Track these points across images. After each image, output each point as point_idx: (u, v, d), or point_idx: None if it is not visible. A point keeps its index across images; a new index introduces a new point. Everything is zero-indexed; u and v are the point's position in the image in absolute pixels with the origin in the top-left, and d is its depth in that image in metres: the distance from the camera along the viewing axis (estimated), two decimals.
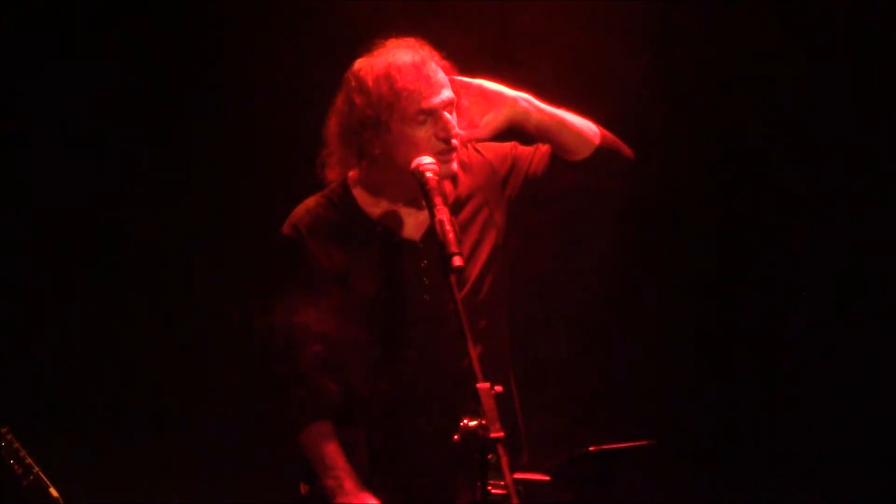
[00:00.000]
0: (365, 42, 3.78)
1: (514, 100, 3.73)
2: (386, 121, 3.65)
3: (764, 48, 5.23)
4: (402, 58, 3.69)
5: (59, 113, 5.16)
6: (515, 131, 3.78)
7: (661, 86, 5.23)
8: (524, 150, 3.85)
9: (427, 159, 3.52)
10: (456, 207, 3.74)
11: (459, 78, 3.72)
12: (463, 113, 3.76)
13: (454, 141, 3.66)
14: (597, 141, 3.76)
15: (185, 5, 5.20)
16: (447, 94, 3.67)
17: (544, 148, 3.81)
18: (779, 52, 5.22)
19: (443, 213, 3.30)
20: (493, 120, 3.74)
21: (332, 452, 3.67)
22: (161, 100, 5.22)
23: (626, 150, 3.83)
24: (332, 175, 3.79)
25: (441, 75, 3.69)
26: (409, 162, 3.61)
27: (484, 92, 3.74)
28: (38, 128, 5.17)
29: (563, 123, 3.74)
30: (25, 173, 5.18)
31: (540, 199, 3.82)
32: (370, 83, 3.68)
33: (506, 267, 3.79)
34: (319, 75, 4.08)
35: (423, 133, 3.65)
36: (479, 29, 5.04)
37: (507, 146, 3.86)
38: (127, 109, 5.20)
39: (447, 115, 3.66)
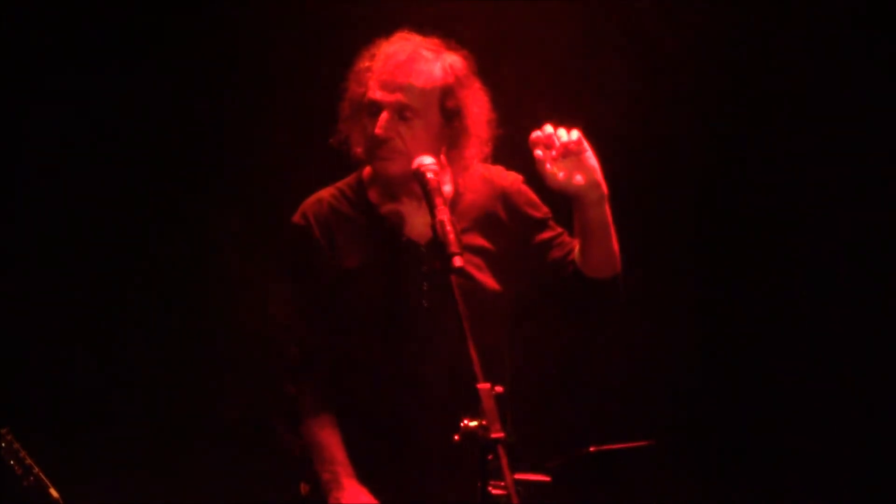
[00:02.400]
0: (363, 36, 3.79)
1: (600, 182, 3.55)
2: (356, 101, 3.69)
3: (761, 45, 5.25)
4: (388, 45, 3.70)
5: (58, 112, 5.18)
6: (564, 205, 3.70)
7: (653, 85, 5.25)
8: (554, 225, 3.81)
9: (428, 159, 3.51)
10: (470, 213, 3.75)
11: (580, 137, 3.51)
12: (465, 135, 3.72)
13: (383, 145, 3.62)
14: (615, 271, 3.71)
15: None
16: (399, 95, 3.63)
17: (573, 241, 3.74)
18: (775, 50, 5.24)
19: (443, 214, 3.29)
20: (565, 179, 3.51)
21: (331, 446, 3.66)
22: (164, 95, 5.24)
23: (622, 304, 3.77)
24: (358, 152, 3.77)
25: (411, 79, 3.64)
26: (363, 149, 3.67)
27: (584, 157, 3.52)
28: (39, 129, 5.18)
29: (609, 234, 3.64)
30: (25, 173, 5.18)
31: (528, 271, 3.80)
32: (357, 62, 3.73)
33: (504, 274, 3.79)
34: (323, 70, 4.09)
35: (368, 124, 3.66)
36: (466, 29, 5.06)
37: (543, 208, 3.83)
38: (134, 107, 5.22)
39: (388, 116, 3.62)
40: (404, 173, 3.60)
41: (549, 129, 3.49)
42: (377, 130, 3.63)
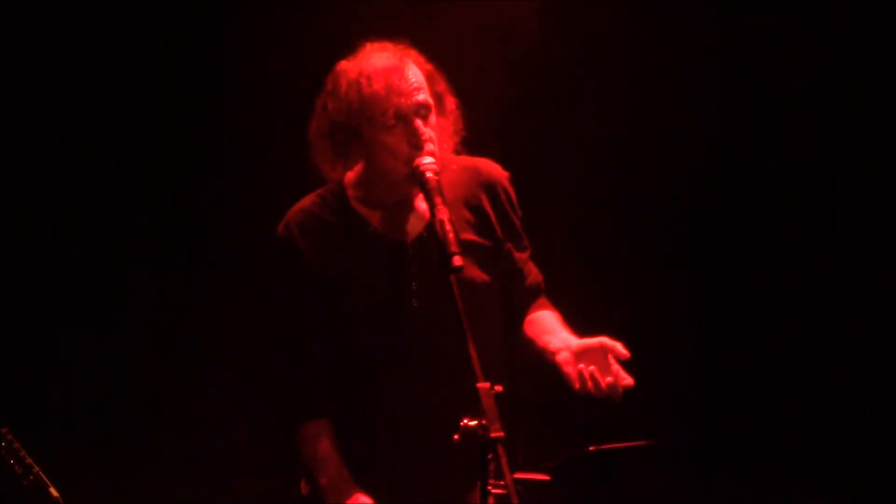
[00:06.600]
0: (351, 42, 3.78)
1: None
2: (357, 126, 3.65)
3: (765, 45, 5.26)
4: (375, 62, 3.66)
5: (56, 115, 5.18)
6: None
7: (649, 85, 5.25)
8: (522, 234, 3.85)
9: (427, 159, 3.51)
10: (454, 207, 3.73)
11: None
12: (448, 120, 3.75)
13: (428, 146, 3.60)
14: None
15: (188, 6, 5.22)
16: (419, 98, 3.63)
17: (523, 262, 3.84)
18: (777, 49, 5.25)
19: (443, 213, 3.30)
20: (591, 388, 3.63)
21: (327, 451, 3.68)
22: (160, 99, 5.24)
23: None
24: (333, 174, 3.78)
25: (416, 80, 3.64)
26: (387, 166, 3.63)
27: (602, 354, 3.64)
28: (38, 129, 5.19)
29: None
30: (26, 172, 5.19)
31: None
32: (342, 87, 3.67)
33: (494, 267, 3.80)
34: (317, 73, 4.09)
35: (393, 138, 3.62)
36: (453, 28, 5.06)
37: (520, 212, 3.84)
38: (129, 112, 5.22)
39: (419, 120, 3.62)
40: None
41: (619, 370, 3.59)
42: (424, 136, 3.60)
